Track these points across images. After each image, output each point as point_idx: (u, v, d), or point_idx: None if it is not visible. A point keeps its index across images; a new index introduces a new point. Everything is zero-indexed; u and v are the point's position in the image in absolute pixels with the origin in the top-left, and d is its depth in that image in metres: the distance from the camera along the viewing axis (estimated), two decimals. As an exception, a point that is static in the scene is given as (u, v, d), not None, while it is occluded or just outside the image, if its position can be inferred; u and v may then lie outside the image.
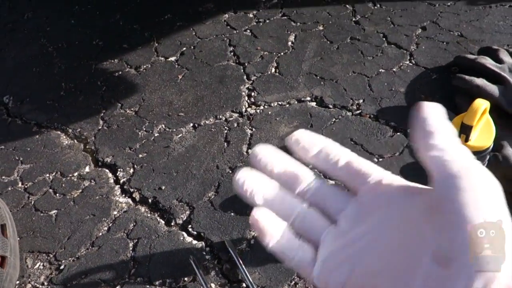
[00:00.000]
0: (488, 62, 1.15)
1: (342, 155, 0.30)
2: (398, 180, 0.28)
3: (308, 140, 0.32)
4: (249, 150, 1.11)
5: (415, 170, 1.01)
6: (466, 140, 0.72)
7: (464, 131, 0.71)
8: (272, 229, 0.33)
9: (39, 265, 0.94)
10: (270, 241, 0.33)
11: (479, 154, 0.73)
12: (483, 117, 0.72)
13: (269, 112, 1.19)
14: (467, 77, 1.11)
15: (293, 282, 0.84)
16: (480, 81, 1.09)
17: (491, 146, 0.73)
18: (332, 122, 1.14)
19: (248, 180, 0.32)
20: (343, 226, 0.29)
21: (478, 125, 0.72)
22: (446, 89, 1.16)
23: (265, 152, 0.34)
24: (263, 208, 0.34)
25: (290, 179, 0.33)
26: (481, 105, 0.69)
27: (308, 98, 1.21)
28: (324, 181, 0.33)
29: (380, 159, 1.04)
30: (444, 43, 1.31)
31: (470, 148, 0.73)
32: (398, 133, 1.09)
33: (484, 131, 0.73)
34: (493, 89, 1.08)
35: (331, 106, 1.19)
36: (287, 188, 0.33)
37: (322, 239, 0.30)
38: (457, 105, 1.09)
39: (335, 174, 0.32)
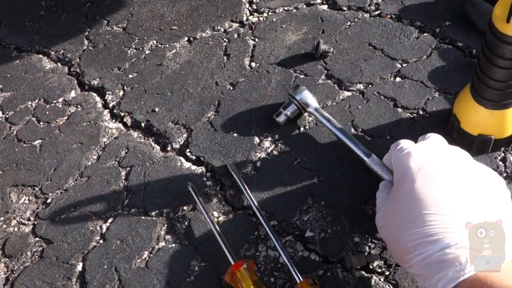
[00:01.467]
0: None
1: None
2: None
3: None
4: (252, 63, 0.97)
5: (444, 74, 0.86)
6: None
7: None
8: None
9: (24, 200, 0.84)
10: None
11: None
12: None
13: (274, 19, 1.04)
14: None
15: (306, 207, 0.73)
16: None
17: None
18: (347, 26, 0.98)
19: None
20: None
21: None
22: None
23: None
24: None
25: None
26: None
27: (319, 1, 1.05)
28: None
29: (405, 64, 0.89)
30: None
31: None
32: (424, 34, 0.94)
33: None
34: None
35: (345, 8, 1.02)
36: None
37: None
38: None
39: None
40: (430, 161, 0.55)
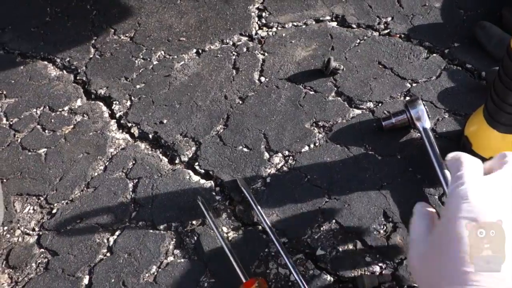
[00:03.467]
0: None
1: None
2: None
3: None
4: (262, 78, 0.97)
5: (453, 95, 0.87)
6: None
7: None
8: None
9: (29, 209, 0.83)
10: None
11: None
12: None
13: (283, 34, 1.04)
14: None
15: (316, 225, 0.73)
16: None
17: None
18: (357, 44, 0.99)
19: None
20: None
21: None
22: (489, 0, 1.00)
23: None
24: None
25: None
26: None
27: (328, 17, 1.06)
28: None
29: (414, 84, 0.90)
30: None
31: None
32: (434, 54, 0.94)
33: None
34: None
35: (354, 26, 1.03)
36: None
37: None
38: (503, 17, 0.94)
39: None
40: (487, 211, 0.43)
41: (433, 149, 0.75)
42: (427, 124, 0.78)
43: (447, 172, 0.71)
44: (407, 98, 0.85)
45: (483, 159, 0.77)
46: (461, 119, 0.83)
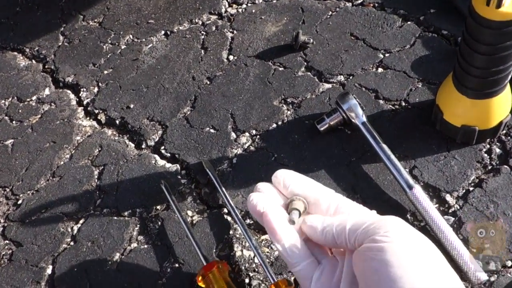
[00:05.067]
0: None
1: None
2: None
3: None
4: (230, 56, 0.93)
5: (428, 63, 0.83)
6: (498, 6, 0.54)
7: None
8: (283, 231, 0.43)
9: (-5, 202, 0.82)
10: (279, 242, 0.42)
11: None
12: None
13: (253, 11, 1.00)
14: None
15: (282, 204, 0.70)
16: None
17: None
18: (328, 16, 0.95)
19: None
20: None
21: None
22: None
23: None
24: (275, 206, 0.45)
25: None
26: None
27: (299, -9, 1.02)
28: None
29: (387, 54, 0.86)
30: None
31: (502, 17, 0.55)
32: (408, 22, 0.90)
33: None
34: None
35: (326, -2, 0.99)
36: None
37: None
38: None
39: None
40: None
41: (378, 144, 0.70)
42: (363, 117, 0.73)
43: (396, 162, 0.68)
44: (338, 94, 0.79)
45: (456, 129, 0.73)
46: (435, 88, 0.79)
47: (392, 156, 0.69)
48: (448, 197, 0.68)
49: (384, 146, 0.70)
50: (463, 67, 0.64)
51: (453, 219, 0.66)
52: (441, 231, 0.62)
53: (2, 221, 0.79)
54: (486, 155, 0.71)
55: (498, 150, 0.71)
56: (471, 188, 0.68)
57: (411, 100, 0.79)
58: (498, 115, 0.68)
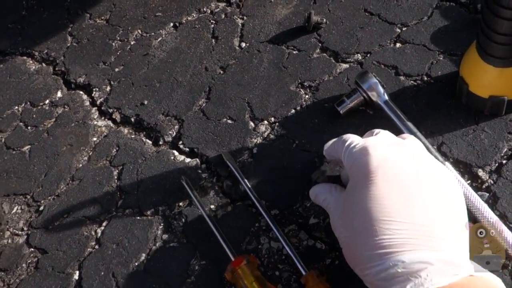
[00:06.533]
0: None
1: None
2: None
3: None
4: (242, 43, 0.91)
5: (448, 34, 0.79)
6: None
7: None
8: None
9: (17, 209, 0.81)
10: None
11: None
12: None
13: (262, -6, 0.97)
14: None
15: (306, 193, 0.68)
16: None
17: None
18: (340, -7, 0.92)
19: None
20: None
21: None
22: None
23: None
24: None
25: None
26: None
27: (308, -31, 0.98)
28: None
29: (404, 28, 0.82)
30: None
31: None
32: (424, -7, 0.86)
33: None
34: None
35: (336, -26, 0.95)
36: None
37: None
38: None
39: None
40: (389, 160, 0.47)
41: (403, 122, 0.67)
42: (385, 95, 0.70)
43: (423, 139, 0.65)
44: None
45: (483, 100, 0.70)
46: (457, 59, 0.76)
47: (419, 134, 0.66)
48: (480, 172, 0.65)
49: (409, 124, 0.67)
50: (487, 35, 0.61)
51: (487, 194, 0.63)
52: (476, 208, 0.60)
53: (25, 229, 0.78)
54: (517, 125, 0.68)
55: (530, 120, 0.68)
56: (504, 161, 0.65)
57: (433, 74, 0.76)
58: (528, 83, 0.65)
